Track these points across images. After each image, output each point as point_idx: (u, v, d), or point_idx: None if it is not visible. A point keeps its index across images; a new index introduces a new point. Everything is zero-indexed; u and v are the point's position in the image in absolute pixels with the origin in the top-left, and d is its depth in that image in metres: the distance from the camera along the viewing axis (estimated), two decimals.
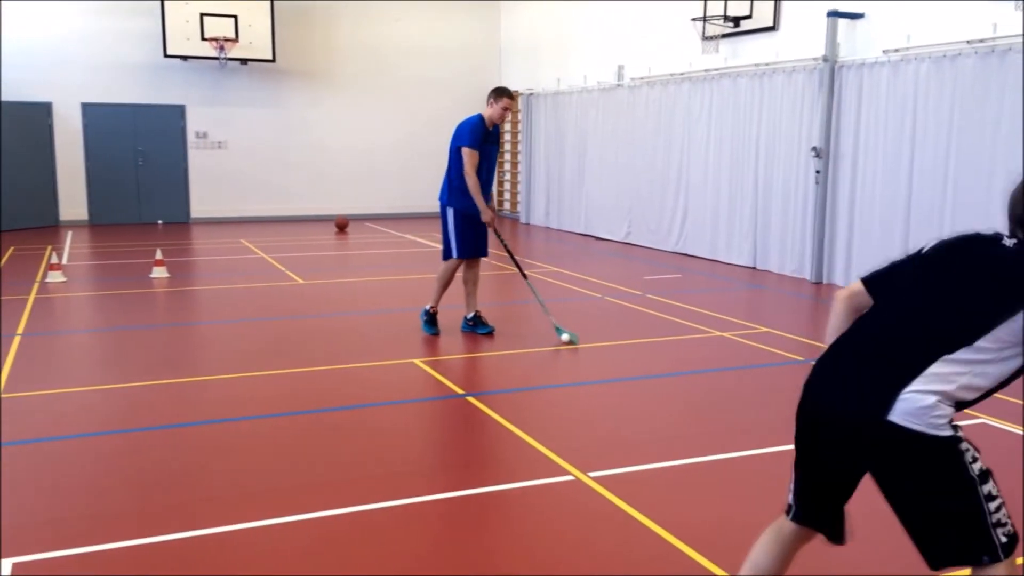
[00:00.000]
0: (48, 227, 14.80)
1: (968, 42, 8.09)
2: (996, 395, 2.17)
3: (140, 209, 15.67)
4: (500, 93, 6.68)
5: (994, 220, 6.96)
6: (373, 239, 13.92)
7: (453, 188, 6.74)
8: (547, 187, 15.82)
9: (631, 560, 3.22)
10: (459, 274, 6.94)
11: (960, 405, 2.06)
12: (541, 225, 15.99)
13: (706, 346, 6.69)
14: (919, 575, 2.34)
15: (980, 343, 2.02)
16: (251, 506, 3.63)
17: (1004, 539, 2.04)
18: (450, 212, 6.78)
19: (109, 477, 4.01)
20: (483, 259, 7.03)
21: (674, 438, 4.58)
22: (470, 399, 5.22)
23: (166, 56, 14.94)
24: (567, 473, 4.02)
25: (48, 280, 9.25)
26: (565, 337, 6.62)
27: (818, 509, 2.30)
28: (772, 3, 10.49)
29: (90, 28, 14.85)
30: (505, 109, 6.67)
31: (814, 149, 9.71)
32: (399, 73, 16.93)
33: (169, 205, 15.84)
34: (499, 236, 7.06)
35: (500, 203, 17.61)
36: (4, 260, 10.95)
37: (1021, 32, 7.65)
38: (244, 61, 15.46)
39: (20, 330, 7.01)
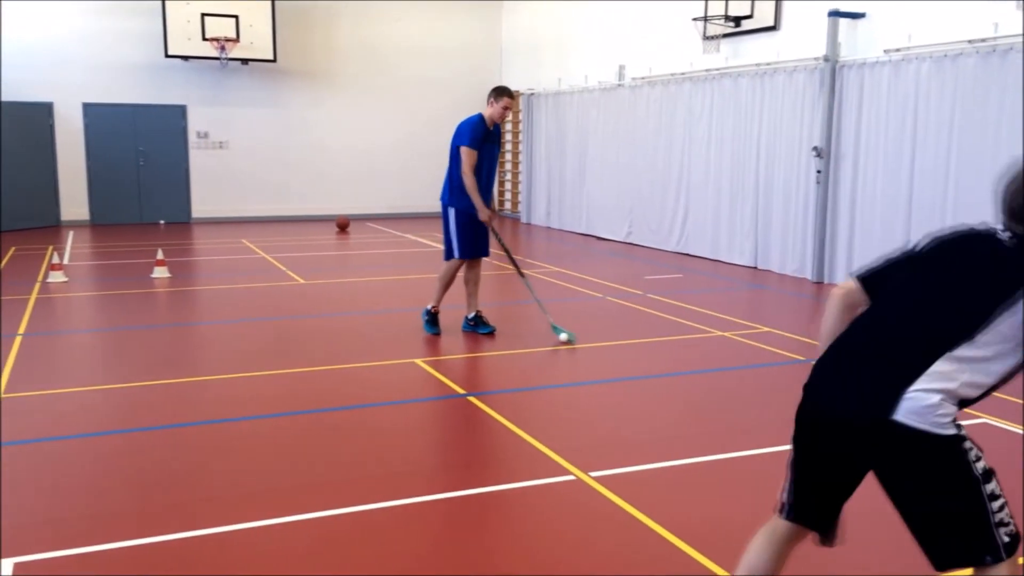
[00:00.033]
0: (49, 227, 14.80)
1: (969, 42, 8.08)
2: (996, 394, 2.17)
3: (141, 209, 15.67)
4: (500, 92, 6.68)
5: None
6: (374, 239, 13.92)
7: (454, 188, 6.74)
8: (548, 187, 15.81)
9: (632, 560, 3.21)
10: (460, 274, 6.94)
11: (963, 403, 2.07)
12: (542, 225, 15.98)
13: (707, 346, 6.68)
14: (919, 575, 2.34)
15: (980, 338, 2.02)
16: (251, 506, 3.63)
17: (1007, 539, 2.04)
18: (451, 212, 6.78)
19: (109, 477, 4.01)
20: (484, 259, 7.04)
21: (675, 438, 4.57)
22: (471, 399, 5.22)
23: (167, 56, 14.94)
24: (568, 473, 4.02)
25: (49, 280, 9.25)
26: (563, 336, 6.62)
27: (815, 508, 2.30)
28: (773, 3, 10.48)
29: (91, 28, 14.86)
30: (505, 108, 6.67)
31: (815, 149, 9.70)
32: (399, 73, 16.93)
33: (170, 205, 15.84)
34: (497, 236, 7.06)
35: (501, 203, 17.60)
36: (5, 260, 10.95)
37: (1022, 32, 7.64)
38: (245, 61, 15.47)
39: (21, 330, 7.01)
